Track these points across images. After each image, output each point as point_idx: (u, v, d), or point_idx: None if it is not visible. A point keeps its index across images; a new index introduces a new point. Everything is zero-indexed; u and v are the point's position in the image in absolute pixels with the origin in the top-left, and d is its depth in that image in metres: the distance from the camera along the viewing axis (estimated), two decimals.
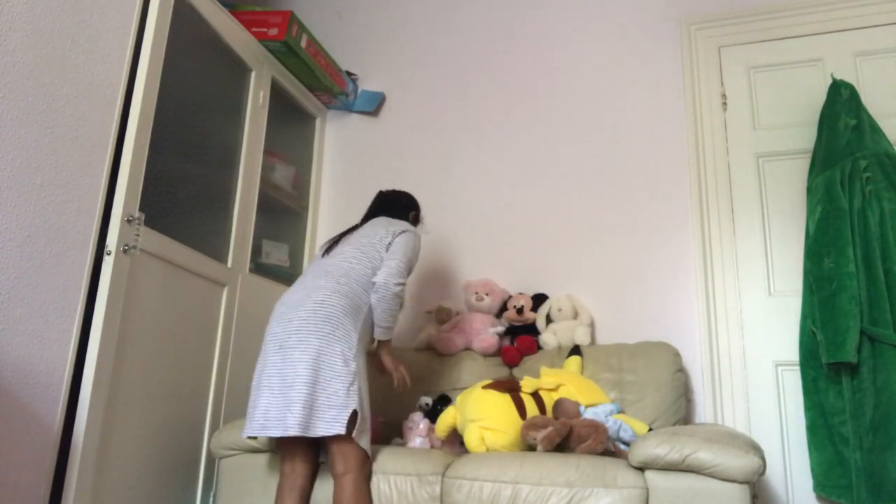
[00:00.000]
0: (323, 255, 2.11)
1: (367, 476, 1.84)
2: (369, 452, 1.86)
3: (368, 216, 2.33)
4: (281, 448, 1.91)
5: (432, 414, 2.37)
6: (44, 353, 1.82)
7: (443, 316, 2.79)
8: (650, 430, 2.09)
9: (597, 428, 1.98)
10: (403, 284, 2.04)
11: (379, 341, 2.12)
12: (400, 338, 2.97)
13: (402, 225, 2.17)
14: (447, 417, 2.12)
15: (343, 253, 2.06)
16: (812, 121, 2.67)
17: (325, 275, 1.97)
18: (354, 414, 1.79)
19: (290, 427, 1.74)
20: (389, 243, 2.09)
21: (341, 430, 1.75)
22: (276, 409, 1.79)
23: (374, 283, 2.00)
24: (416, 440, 2.19)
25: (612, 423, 2.05)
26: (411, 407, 2.48)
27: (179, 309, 2.29)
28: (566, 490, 1.70)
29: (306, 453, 1.90)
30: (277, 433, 1.76)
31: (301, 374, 1.79)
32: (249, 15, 2.83)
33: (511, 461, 1.81)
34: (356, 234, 2.14)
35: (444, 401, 2.44)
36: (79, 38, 1.98)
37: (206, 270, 2.43)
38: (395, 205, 2.36)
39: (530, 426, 1.96)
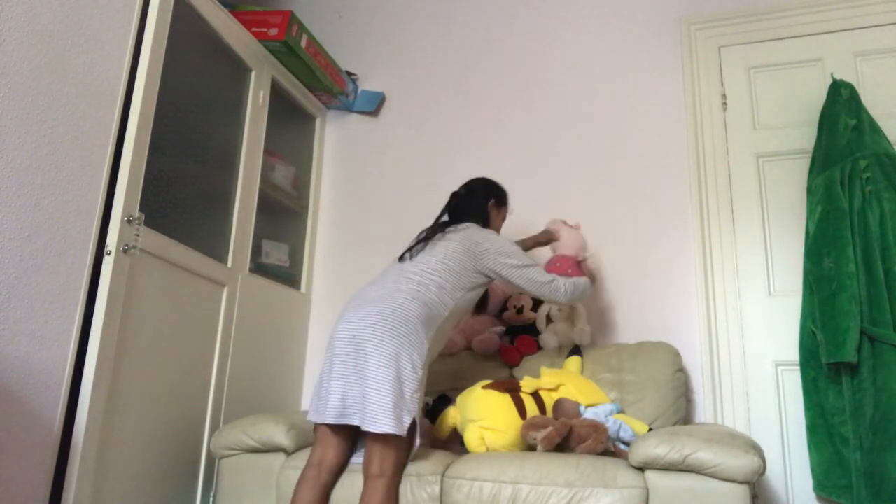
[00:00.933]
0: (401, 260, 2.11)
1: (398, 483, 1.83)
2: (407, 462, 1.87)
3: (445, 221, 2.28)
4: (318, 435, 1.91)
5: (432, 414, 2.37)
6: (44, 353, 1.82)
7: None
8: (650, 430, 2.09)
9: (597, 428, 1.98)
10: (552, 281, 2.15)
11: None
12: None
13: (479, 234, 2.14)
14: (447, 418, 2.12)
15: (426, 262, 2.05)
16: (812, 121, 2.67)
17: (405, 280, 1.98)
18: (414, 421, 1.81)
19: (367, 420, 1.76)
20: (476, 255, 2.09)
21: (402, 433, 1.76)
22: (352, 399, 1.81)
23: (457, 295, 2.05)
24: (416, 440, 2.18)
25: (612, 423, 2.05)
26: None
27: (179, 309, 2.29)
28: (566, 490, 1.70)
29: (342, 446, 1.90)
30: (355, 422, 1.80)
31: (374, 370, 1.80)
32: (249, 15, 2.83)
33: (511, 461, 1.81)
34: (437, 244, 2.11)
35: (443, 401, 2.44)
36: (79, 38, 1.98)
37: (206, 270, 2.43)
38: (469, 203, 2.30)
39: (530, 426, 1.96)
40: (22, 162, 1.78)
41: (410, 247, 2.15)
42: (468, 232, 2.15)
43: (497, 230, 2.34)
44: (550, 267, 2.41)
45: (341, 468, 1.92)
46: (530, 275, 2.12)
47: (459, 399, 2.11)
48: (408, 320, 1.87)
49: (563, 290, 2.16)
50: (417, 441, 1.84)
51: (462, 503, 1.78)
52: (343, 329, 1.89)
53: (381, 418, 1.75)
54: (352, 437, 1.94)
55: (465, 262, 2.07)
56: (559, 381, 2.23)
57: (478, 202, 2.30)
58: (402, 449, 1.81)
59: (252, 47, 2.80)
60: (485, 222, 2.27)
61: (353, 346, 1.85)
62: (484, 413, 1.99)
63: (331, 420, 1.82)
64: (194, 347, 2.36)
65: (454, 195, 2.35)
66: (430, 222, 3.11)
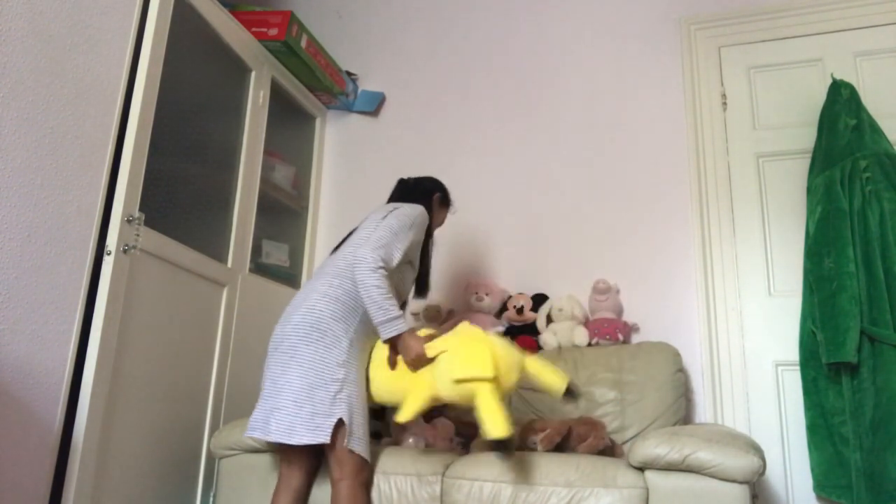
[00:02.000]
0: (331, 254, 2.08)
1: (363, 482, 1.80)
2: (367, 457, 1.82)
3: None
4: (280, 450, 1.90)
5: (426, 414, 2.37)
6: (44, 353, 1.82)
7: (432, 314, 2.78)
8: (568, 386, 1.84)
9: (595, 425, 1.98)
10: (381, 265, 1.82)
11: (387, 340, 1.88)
12: None
13: (402, 204, 2.07)
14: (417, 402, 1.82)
15: (342, 251, 2.01)
16: (812, 121, 2.67)
17: (322, 276, 1.95)
18: (340, 422, 1.76)
19: (273, 433, 1.74)
20: (381, 218, 1.99)
21: (325, 440, 1.73)
22: (263, 413, 1.80)
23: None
24: (409, 440, 2.18)
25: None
26: None
27: (179, 309, 2.29)
28: (566, 490, 1.70)
29: (304, 457, 1.89)
30: (259, 436, 1.78)
31: (290, 380, 1.78)
32: (249, 15, 2.83)
33: (511, 461, 1.81)
34: (359, 228, 2.05)
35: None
36: (79, 38, 1.98)
37: (206, 270, 2.43)
38: (413, 191, 2.23)
39: (529, 430, 1.95)
40: (22, 162, 1.78)
41: (343, 239, 2.12)
42: (385, 206, 2.07)
43: (437, 221, 2.28)
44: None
45: (311, 474, 1.91)
46: (377, 239, 1.87)
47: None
48: (319, 322, 1.83)
49: (372, 283, 1.80)
50: (349, 443, 1.75)
51: (462, 503, 1.78)
52: (270, 344, 1.90)
53: (298, 429, 1.73)
54: (310, 447, 1.87)
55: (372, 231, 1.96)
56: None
57: (423, 191, 2.22)
58: (351, 452, 1.77)
59: (252, 47, 2.80)
60: (426, 205, 2.17)
61: (273, 359, 1.86)
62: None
63: (254, 435, 1.80)
64: (194, 347, 2.36)
65: (401, 181, 2.30)
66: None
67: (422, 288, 2.24)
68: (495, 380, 1.69)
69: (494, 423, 1.61)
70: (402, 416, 1.75)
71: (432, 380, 1.77)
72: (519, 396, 2.52)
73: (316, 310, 1.85)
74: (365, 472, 1.82)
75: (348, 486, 1.76)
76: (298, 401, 1.75)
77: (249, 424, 1.83)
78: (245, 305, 2.66)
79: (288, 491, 1.86)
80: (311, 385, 1.77)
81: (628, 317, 2.72)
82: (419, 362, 1.82)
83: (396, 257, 1.92)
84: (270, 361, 1.87)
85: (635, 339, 2.68)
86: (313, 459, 1.91)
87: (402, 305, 2.13)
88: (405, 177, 2.36)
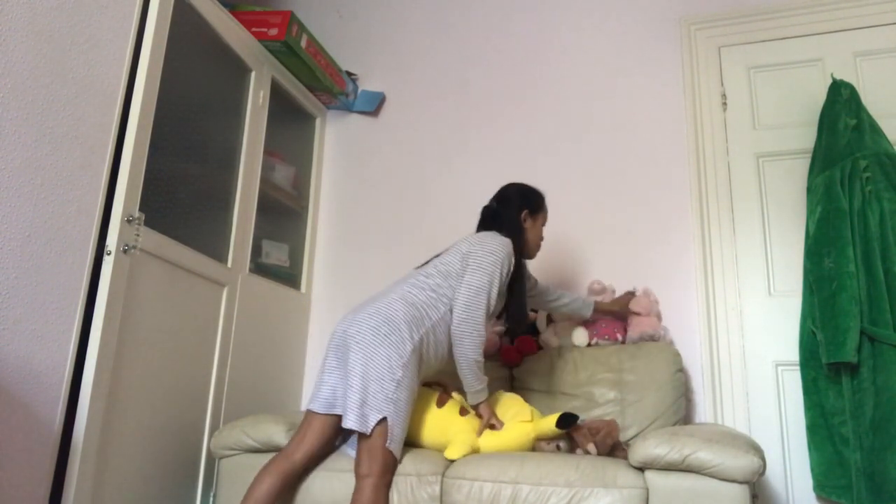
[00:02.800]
0: (416, 269, 2.15)
1: (388, 483, 1.84)
2: (398, 460, 1.86)
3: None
4: (303, 425, 1.94)
5: None
6: (44, 353, 1.82)
7: None
8: None
9: (608, 423, 2.02)
10: (482, 332, 1.97)
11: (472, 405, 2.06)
12: None
13: (487, 236, 2.08)
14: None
15: (426, 269, 2.09)
16: (812, 121, 2.67)
17: (402, 284, 2.04)
18: (385, 422, 1.80)
19: (334, 406, 1.88)
20: (465, 256, 2.04)
21: (365, 430, 1.78)
22: (340, 392, 1.89)
23: (450, 299, 2.00)
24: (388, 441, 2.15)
25: None
26: None
27: (179, 309, 2.29)
28: (566, 490, 1.70)
29: (321, 436, 1.92)
30: (338, 412, 1.87)
31: (353, 366, 1.85)
32: (249, 15, 2.83)
33: (511, 461, 1.81)
34: (447, 252, 2.12)
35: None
36: (79, 38, 1.98)
37: (206, 270, 2.43)
38: (496, 214, 2.20)
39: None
40: (22, 162, 1.78)
41: (427, 260, 2.18)
42: (476, 236, 2.12)
43: (533, 242, 2.23)
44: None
45: (317, 455, 1.93)
46: (470, 294, 1.98)
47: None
48: (390, 318, 1.90)
49: (469, 343, 1.96)
50: (389, 442, 1.80)
51: (462, 503, 1.78)
52: (337, 327, 1.99)
53: (349, 414, 1.80)
54: (334, 433, 1.95)
55: (458, 264, 2.06)
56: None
57: (507, 214, 2.19)
58: (387, 449, 1.81)
59: (252, 47, 2.80)
60: (513, 233, 2.14)
61: (341, 341, 1.93)
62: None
63: (320, 409, 1.90)
64: (194, 347, 2.36)
65: (485, 209, 2.26)
66: (429, 222, 3.12)
67: (515, 320, 2.18)
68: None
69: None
70: (454, 454, 1.93)
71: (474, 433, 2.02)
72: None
73: (391, 308, 1.93)
74: (391, 474, 1.85)
75: (373, 485, 1.78)
76: (354, 387, 1.82)
77: (325, 401, 1.90)
78: (245, 305, 2.66)
79: (283, 464, 1.88)
80: (369, 376, 1.83)
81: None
82: (490, 425, 2.03)
83: (491, 306, 2.03)
84: (336, 343, 1.95)
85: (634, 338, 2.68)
86: (327, 446, 1.95)
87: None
88: (486, 204, 2.28)
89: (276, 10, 2.85)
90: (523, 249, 2.18)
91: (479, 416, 2.06)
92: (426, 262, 2.16)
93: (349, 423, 1.79)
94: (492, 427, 2.03)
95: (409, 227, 3.16)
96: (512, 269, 2.10)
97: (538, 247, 2.26)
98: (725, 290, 2.64)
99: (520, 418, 2.02)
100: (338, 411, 1.89)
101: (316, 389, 1.95)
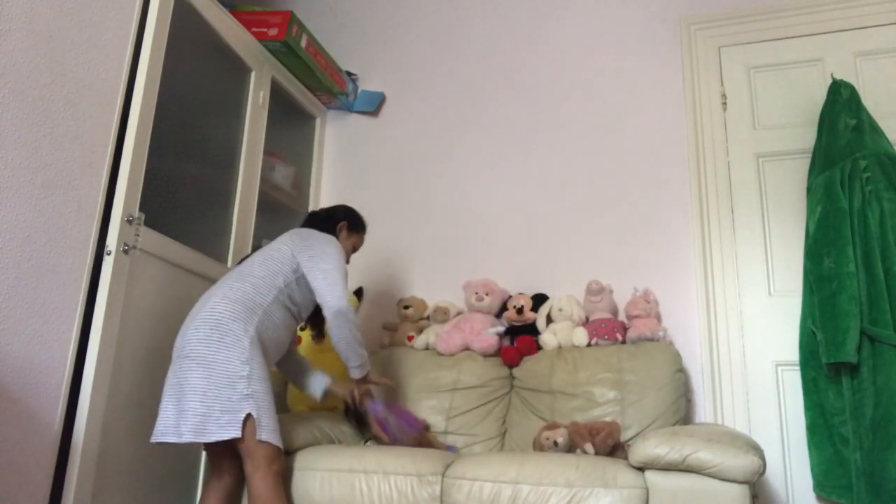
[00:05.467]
0: (236, 266, 2.13)
1: (276, 472, 1.83)
2: (278, 445, 1.85)
3: None
4: (208, 454, 1.97)
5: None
6: (44, 353, 1.82)
7: (440, 316, 2.80)
8: None
9: (609, 423, 2.03)
10: (343, 297, 2.01)
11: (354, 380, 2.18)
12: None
13: (315, 232, 2.16)
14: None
15: (247, 261, 2.09)
16: (812, 121, 2.67)
17: (222, 282, 2.01)
18: (248, 417, 1.80)
19: (184, 434, 1.78)
20: (299, 247, 2.08)
21: (236, 434, 1.77)
22: (172, 417, 1.83)
23: (280, 282, 2.02)
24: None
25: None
26: None
27: (179, 309, 2.29)
28: (566, 490, 1.70)
29: (227, 458, 1.95)
30: (172, 440, 1.81)
31: (192, 383, 1.82)
32: (249, 15, 2.83)
33: (511, 461, 1.81)
34: (268, 247, 2.14)
35: None
36: (79, 38, 1.98)
37: (206, 270, 2.43)
38: (325, 220, 2.31)
39: (547, 430, 2.05)
40: (22, 162, 1.78)
41: (245, 256, 2.20)
42: (301, 230, 2.18)
43: (346, 253, 2.30)
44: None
45: (238, 474, 1.95)
46: (335, 280, 2.04)
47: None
48: (219, 322, 1.88)
49: (349, 317, 2.04)
50: (260, 434, 1.80)
51: (462, 503, 1.78)
52: (174, 350, 1.94)
53: (209, 427, 1.78)
54: (230, 445, 1.90)
55: (285, 251, 2.07)
56: None
57: (330, 220, 2.31)
58: (262, 442, 1.81)
59: (252, 47, 2.80)
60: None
61: (177, 364, 1.89)
62: None
63: (153, 439, 1.84)
64: None
65: (312, 213, 2.38)
66: (429, 222, 3.12)
67: (320, 323, 2.30)
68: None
69: None
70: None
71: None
72: (520, 399, 2.53)
73: (216, 312, 1.90)
74: (277, 463, 1.85)
75: (261, 478, 1.80)
76: (206, 401, 1.80)
77: (157, 430, 1.85)
78: None
79: (219, 485, 1.94)
80: (217, 384, 1.81)
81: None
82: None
83: (353, 320, 2.08)
84: (173, 368, 1.90)
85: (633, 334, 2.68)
86: (238, 459, 1.93)
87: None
88: (315, 209, 2.45)
89: (276, 10, 2.85)
90: None
91: (364, 387, 2.21)
92: (240, 262, 2.14)
93: (216, 436, 1.77)
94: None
95: (409, 226, 3.16)
96: None
97: (347, 260, 2.34)
98: (725, 290, 2.64)
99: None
100: (168, 437, 1.81)
101: (160, 422, 1.87)
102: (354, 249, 2.39)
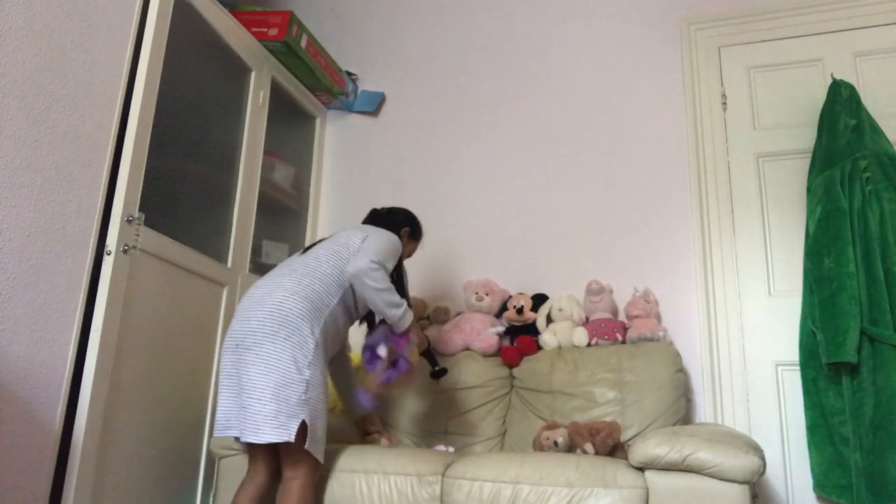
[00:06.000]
0: (301, 254, 2.08)
1: (314, 483, 1.83)
2: (321, 460, 1.84)
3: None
4: (247, 448, 1.94)
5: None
6: (44, 353, 1.82)
7: (440, 316, 2.80)
8: None
9: (610, 424, 2.03)
10: (379, 267, 1.92)
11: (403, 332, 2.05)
12: None
13: (378, 229, 2.13)
14: None
15: (314, 253, 2.02)
16: (812, 121, 2.67)
17: (290, 273, 1.94)
18: (304, 424, 1.76)
19: (245, 432, 1.75)
20: (362, 243, 2.04)
21: (289, 438, 1.72)
22: (234, 412, 1.82)
23: (346, 279, 1.96)
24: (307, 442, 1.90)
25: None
26: None
27: (179, 309, 2.29)
28: (566, 490, 1.70)
29: (267, 455, 1.91)
30: (233, 434, 1.80)
31: (254, 378, 1.77)
32: (249, 15, 2.83)
33: (511, 461, 1.81)
34: (334, 236, 2.10)
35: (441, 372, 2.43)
36: (79, 38, 1.98)
37: (206, 270, 2.43)
38: (386, 219, 2.28)
39: (545, 430, 2.04)
40: (22, 162, 1.78)
41: (312, 243, 2.15)
42: (366, 227, 2.14)
43: (403, 257, 2.29)
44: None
45: (275, 471, 1.92)
46: (371, 251, 1.96)
47: None
48: (287, 320, 1.82)
49: (400, 313, 1.99)
50: (310, 444, 1.77)
51: (462, 503, 1.78)
52: (228, 339, 1.90)
53: (263, 427, 1.73)
54: (270, 448, 1.90)
55: (352, 248, 2.02)
56: None
57: (393, 223, 2.26)
58: (308, 453, 1.79)
59: (252, 47, 2.80)
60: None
61: (236, 356, 1.85)
62: None
63: (217, 433, 1.84)
64: (194, 347, 2.36)
65: (374, 211, 2.34)
66: (427, 223, 3.12)
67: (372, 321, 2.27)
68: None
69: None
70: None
71: None
72: (520, 399, 2.53)
73: (285, 307, 1.84)
74: (317, 474, 1.85)
75: (300, 486, 1.78)
76: (263, 399, 1.75)
77: (219, 424, 1.83)
78: None
79: (252, 486, 1.89)
80: (276, 383, 1.76)
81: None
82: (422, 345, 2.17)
83: (387, 278, 1.98)
84: (232, 358, 1.85)
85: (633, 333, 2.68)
86: (276, 456, 1.92)
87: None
88: (378, 207, 2.38)
89: (276, 10, 2.86)
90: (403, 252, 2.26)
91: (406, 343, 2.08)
92: (309, 248, 2.09)
93: (271, 437, 1.72)
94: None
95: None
96: (395, 264, 2.12)
97: (407, 258, 2.35)
98: (725, 290, 2.64)
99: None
100: (232, 432, 1.81)
101: (222, 415, 1.86)
102: (409, 256, 2.35)
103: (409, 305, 2.16)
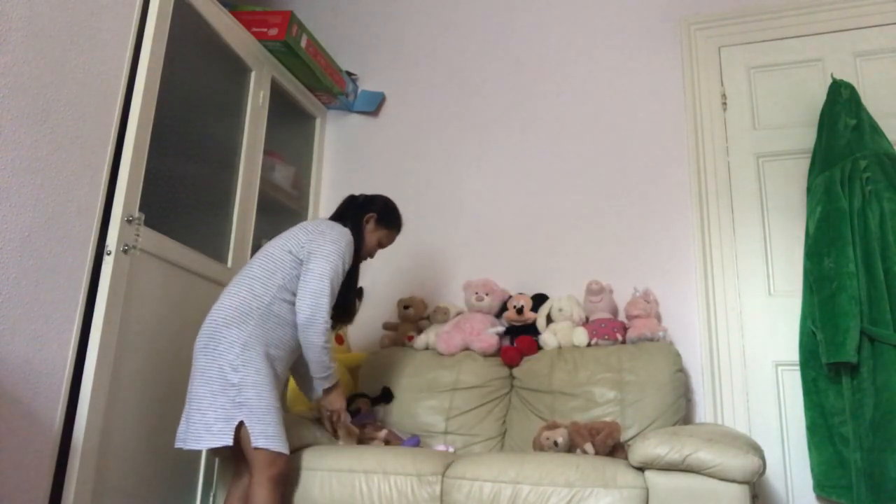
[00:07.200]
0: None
1: (271, 477, 1.82)
2: (275, 450, 1.82)
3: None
4: (231, 453, 1.99)
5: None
6: (44, 353, 1.82)
7: (440, 317, 2.80)
8: None
9: (610, 424, 2.03)
10: (328, 318, 1.97)
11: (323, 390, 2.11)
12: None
13: (326, 226, 2.09)
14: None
15: (249, 262, 2.07)
16: (812, 121, 2.67)
17: (230, 285, 2.02)
18: (241, 425, 1.81)
19: (188, 441, 1.83)
20: (303, 239, 2.04)
21: (228, 441, 1.79)
22: (183, 425, 1.89)
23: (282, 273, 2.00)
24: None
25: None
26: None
27: (179, 309, 2.29)
28: (566, 490, 1.70)
29: (242, 460, 1.96)
30: (179, 446, 1.87)
31: (193, 391, 1.88)
32: (249, 15, 2.83)
33: (511, 461, 1.81)
34: (281, 237, 2.10)
35: (387, 394, 2.55)
36: (79, 38, 1.98)
37: (206, 270, 2.43)
38: (357, 207, 2.25)
39: (545, 429, 2.06)
40: (22, 162, 1.78)
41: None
42: (315, 224, 2.12)
43: (369, 246, 2.26)
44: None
45: None
46: (317, 289, 1.97)
47: None
48: (214, 332, 1.91)
49: (319, 327, 1.97)
50: (255, 441, 1.80)
51: (462, 503, 1.78)
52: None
53: (204, 435, 1.81)
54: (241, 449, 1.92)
55: (285, 246, 2.04)
56: None
57: (357, 210, 2.24)
58: (257, 449, 1.81)
59: (252, 47, 2.80)
60: (354, 230, 2.17)
61: (192, 371, 1.94)
62: None
63: (177, 446, 1.88)
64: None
65: (350, 198, 2.31)
66: (427, 223, 3.12)
67: (344, 315, 2.23)
68: None
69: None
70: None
71: None
72: (520, 399, 2.52)
73: (211, 320, 1.94)
74: (274, 467, 1.83)
75: (256, 482, 1.81)
76: (202, 408, 1.84)
77: (176, 437, 1.90)
78: None
79: (241, 486, 1.95)
80: (212, 392, 1.84)
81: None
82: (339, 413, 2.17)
83: (335, 292, 2.03)
84: (191, 374, 1.96)
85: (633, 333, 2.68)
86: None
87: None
88: (356, 194, 2.35)
89: (276, 10, 2.86)
90: (362, 244, 2.23)
91: (328, 406, 2.15)
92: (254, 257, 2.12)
93: (208, 443, 1.80)
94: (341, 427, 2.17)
95: (409, 226, 3.15)
96: (350, 261, 2.12)
97: (379, 248, 2.32)
98: (725, 290, 2.64)
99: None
100: (178, 444, 1.87)
101: (183, 430, 1.90)
102: (381, 245, 2.31)
103: (356, 311, 2.27)
